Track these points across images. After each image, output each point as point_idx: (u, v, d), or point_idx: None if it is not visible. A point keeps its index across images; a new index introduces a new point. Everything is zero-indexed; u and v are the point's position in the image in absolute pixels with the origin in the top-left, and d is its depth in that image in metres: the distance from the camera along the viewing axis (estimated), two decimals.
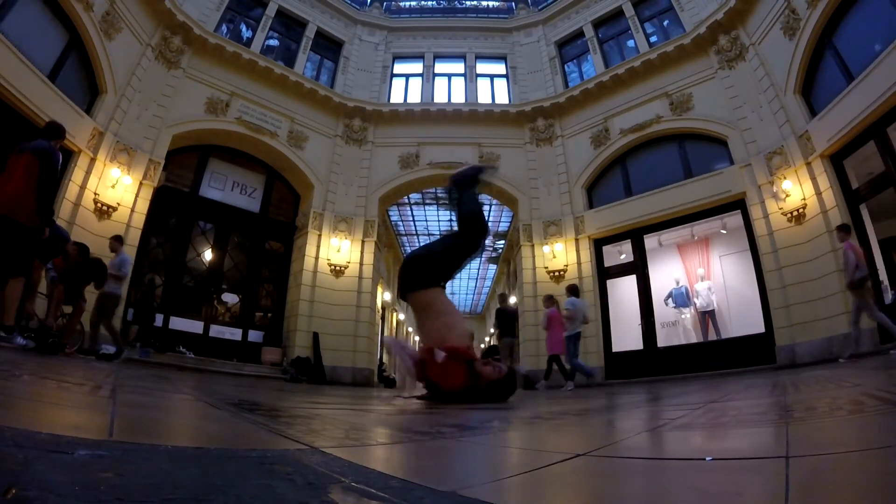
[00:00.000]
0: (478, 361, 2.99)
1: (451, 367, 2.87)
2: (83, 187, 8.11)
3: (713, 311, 10.44)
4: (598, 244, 11.15)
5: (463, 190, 3.68)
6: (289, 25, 12.83)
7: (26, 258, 4.10)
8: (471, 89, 13.32)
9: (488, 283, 24.38)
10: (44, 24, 7.80)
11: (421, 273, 3.35)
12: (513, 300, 16.04)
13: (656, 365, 9.56)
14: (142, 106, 9.37)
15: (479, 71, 13.71)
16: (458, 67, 13.81)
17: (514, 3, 14.60)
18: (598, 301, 10.64)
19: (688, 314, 11.07)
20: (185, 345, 9.33)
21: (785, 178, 8.41)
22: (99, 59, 8.56)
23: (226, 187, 11.17)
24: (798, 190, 8.26)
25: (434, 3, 15.27)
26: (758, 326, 8.80)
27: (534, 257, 11.35)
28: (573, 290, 8.61)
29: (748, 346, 8.86)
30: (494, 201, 14.11)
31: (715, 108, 9.99)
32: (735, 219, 9.82)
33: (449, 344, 3.00)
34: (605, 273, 11.00)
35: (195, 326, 10.05)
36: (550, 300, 8.76)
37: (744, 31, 9.72)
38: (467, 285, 25.19)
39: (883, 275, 7.42)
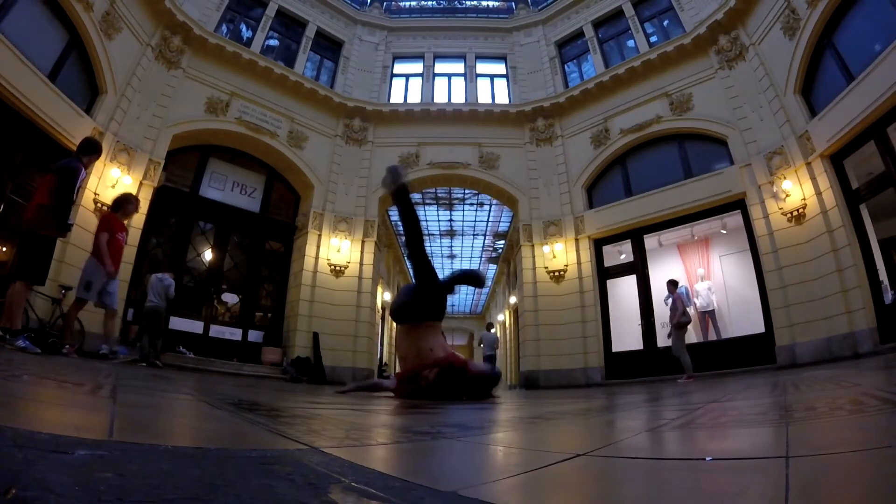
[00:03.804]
0: (427, 369, 3.93)
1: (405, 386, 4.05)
2: (83, 187, 8.09)
3: (713, 311, 10.43)
4: (598, 244, 11.14)
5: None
6: (289, 25, 12.82)
7: (42, 266, 4.50)
8: (471, 89, 13.32)
9: (488, 283, 24.37)
10: (44, 24, 7.79)
11: (397, 314, 4.55)
12: (513, 300, 16.07)
13: (656, 365, 9.55)
14: (142, 106, 9.37)
15: (479, 71, 13.71)
16: (458, 67, 13.81)
17: (514, 3, 14.59)
18: (598, 301, 10.64)
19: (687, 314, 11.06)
20: (185, 345, 9.32)
21: (785, 178, 8.41)
22: (99, 59, 8.55)
23: (226, 187, 11.17)
24: (798, 190, 8.25)
25: (434, 3, 15.26)
26: (758, 326, 8.79)
27: (534, 257, 11.34)
28: (488, 326, 13.06)
29: (748, 346, 8.85)
30: (494, 201, 14.11)
31: (715, 108, 9.98)
32: (735, 219, 9.82)
33: (408, 366, 4.17)
34: (605, 273, 10.99)
35: (195, 326, 10.05)
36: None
37: (744, 31, 9.72)
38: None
39: (883, 275, 7.41)
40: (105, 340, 5.58)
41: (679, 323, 7.85)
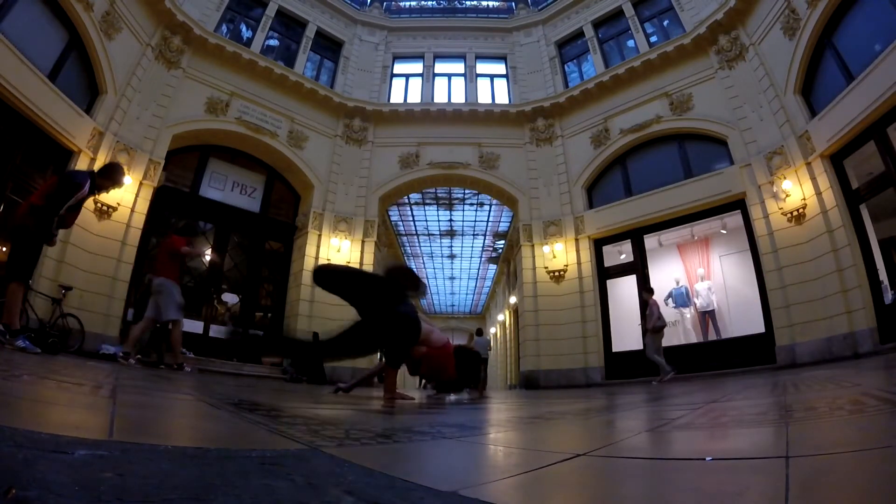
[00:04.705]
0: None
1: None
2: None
3: (713, 311, 10.43)
4: (598, 244, 11.14)
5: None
6: (289, 25, 12.82)
7: (29, 263, 4.37)
8: (471, 89, 13.32)
9: (488, 283, 24.38)
10: (44, 24, 7.79)
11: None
12: (513, 300, 16.07)
13: (656, 365, 9.54)
14: (142, 106, 9.37)
15: (479, 71, 13.71)
16: (458, 67, 13.81)
17: (514, 3, 14.60)
18: (598, 301, 10.64)
19: (688, 314, 11.07)
20: (185, 345, 9.30)
21: (785, 178, 8.40)
22: (99, 59, 8.55)
23: (226, 187, 11.16)
24: (798, 190, 8.25)
25: (434, 3, 15.26)
26: (758, 326, 8.79)
27: (534, 257, 11.34)
28: (477, 332, 12.91)
29: (748, 346, 8.85)
30: (494, 201, 14.11)
31: (715, 108, 9.98)
32: (735, 219, 9.81)
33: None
34: (605, 273, 10.99)
35: (195, 326, 10.04)
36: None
37: (744, 31, 9.72)
38: (467, 285, 25.21)
39: (883, 275, 7.41)
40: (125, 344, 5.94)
41: (654, 328, 8.19)
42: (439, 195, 14.76)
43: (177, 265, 5.87)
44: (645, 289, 8.84)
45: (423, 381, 4.24)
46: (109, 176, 4.70)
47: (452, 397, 4.09)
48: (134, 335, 5.91)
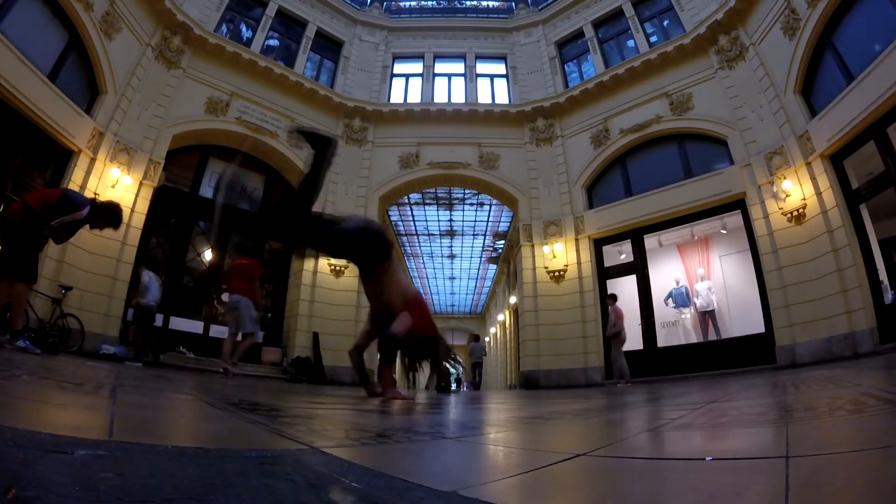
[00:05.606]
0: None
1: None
2: (83, 187, 8.09)
3: (713, 311, 10.43)
4: (598, 244, 11.14)
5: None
6: (289, 25, 12.82)
7: (29, 263, 4.30)
8: (471, 89, 13.32)
9: (488, 283, 24.38)
10: (44, 24, 7.79)
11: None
12: (513, 300, 16.06)
13: (656, 365, 9.55)
14: (142, 106, 9.37)
15: (479, 71, 13.71)
16: (458, 67, 13.81)
17: (514, 3, 14.59)
18: (598, 301, 10.64)
19: (688, 314, 11.07)
20: (185, 345, 9.33)
21: (785, 178, 8.41)
22: (99, 59, 8.55)
23: None
24: (798, 190, 8.26)
25: (434, 3, 15.26)
26: (758, 326, 8.80)
27: (534, 257, 11.34)
28: (474, 338, 15.00)
29: (748, 346, 8.86)
30: (494, 201, 14.12)
31: (715, 108, 9.98)
32: (735, 219, 9.82)
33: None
34: (605, 273, 10.99)
35: (195, 326, 10.04)
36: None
37: (744, 30, 9.72)
38: (467, 285, 25.20)
39: (883, 275, 7.41)
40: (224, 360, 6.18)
41: (610, 335, 8.57)
42: (439, 195, 14.77)
43: (253, 285, 6.42)
44: (609, 296, 9.08)
45: (410, 369, 3.87)
46: (107, 214, 4.56)
47: (453, 394, 4.03)
48: (226, 351, 6.19)
